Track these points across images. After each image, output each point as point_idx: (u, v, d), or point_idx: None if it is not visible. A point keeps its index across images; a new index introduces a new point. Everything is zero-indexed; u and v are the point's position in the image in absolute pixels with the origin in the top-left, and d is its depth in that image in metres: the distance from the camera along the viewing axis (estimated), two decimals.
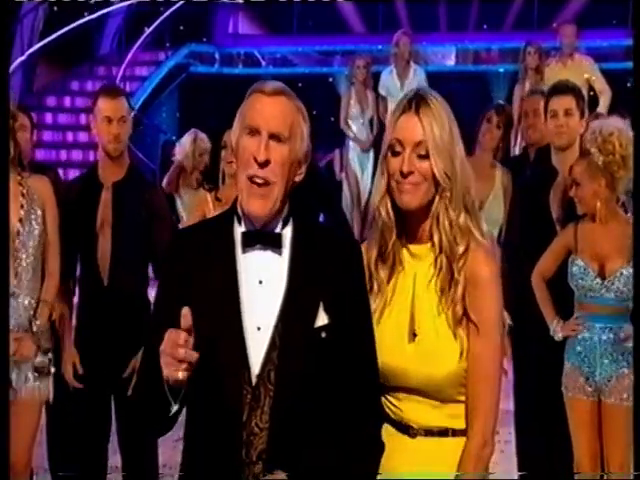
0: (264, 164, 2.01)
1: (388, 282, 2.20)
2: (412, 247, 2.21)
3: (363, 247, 2.23)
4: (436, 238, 2.17)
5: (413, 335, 2.15)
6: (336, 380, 2.05)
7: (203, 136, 6.58)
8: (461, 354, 2.13)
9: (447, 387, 2.15)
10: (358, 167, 8.73)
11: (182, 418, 2.08)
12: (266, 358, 2.01)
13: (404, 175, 2.14)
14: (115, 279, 3.92)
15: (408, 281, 2.20)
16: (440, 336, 2.14)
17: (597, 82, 8.16)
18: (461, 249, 2.15)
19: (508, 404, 3.98)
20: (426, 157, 2.14)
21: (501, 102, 5.06)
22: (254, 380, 2.01)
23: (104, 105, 3.93)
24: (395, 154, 2.16)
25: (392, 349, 2.15)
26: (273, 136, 2.02)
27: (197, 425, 2.08)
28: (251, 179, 2.03)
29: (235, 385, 2.00)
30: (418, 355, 2.14)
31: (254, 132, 2.03)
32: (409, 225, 2.20)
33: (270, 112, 2.03)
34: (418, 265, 2.20)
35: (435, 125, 2.13)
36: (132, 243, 3.94)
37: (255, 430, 2.00)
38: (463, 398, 2.17)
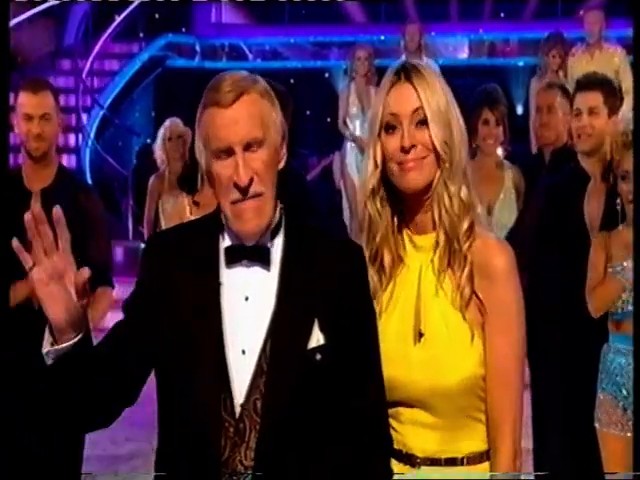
0: (248, 186, 1.99)
1: (387, 284, 2.21)
2: (417, 238, 2.22)
3: None
4: (436, 214, 2.19)
5: (419, 335, 2.15)
6: (334, 410, 2.02)
7: (178, 121, 6.72)
8: (474, 340, 2.13)
9: (458, 395, 2.14)
10: (356, 173, 8.73)
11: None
12: (251, 385, 1.98)
13: (406, 150, 2.15)
14: None
15: (412, 277, 2.20)
16: (449, 327, 2.14)
17: (625, 80, 8.19)
18: (465, 226, 2.18)
19: (527, 442, 3.92)
20: (425, 126, 2.16)
21: (489, 89, 4.97)
22: (237, 411, 1.98)
23: (24, 100, 3.95)
24: (391, 131, 2.18)
25: (394, 356, 2.14)
26: (248, 146, 1.99)
27: (171, 464, 2.04)
28: (236, 202, 2.00)
29: (215, 417, 1.97)
30: (425, 357, 2.13)
31: (225, 153, 1.99)
32: (411, 214, 2.22)
33: (236, 124, 1.99)
34: (424, 257, 2.21)
35: (429, 91, 2.17)
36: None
37: (239, 468, 1.96)
38: (475, 413, 2.17)
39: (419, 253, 2.22)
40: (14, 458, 3.85)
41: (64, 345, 1.94)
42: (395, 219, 2.22)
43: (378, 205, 2.21)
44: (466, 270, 2.16)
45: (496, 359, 2.15)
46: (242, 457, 1.97)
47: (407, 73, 2.18)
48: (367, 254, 2.20)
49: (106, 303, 3.96)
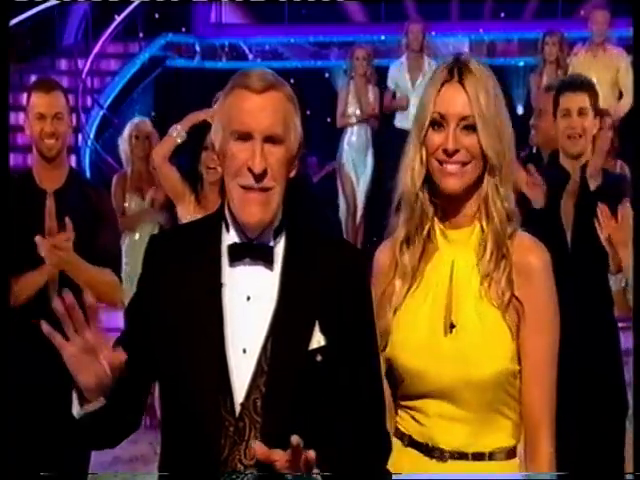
0: (262, 175, 2.00)
1: (416, 270, 2.21)
2: (450, 232, 2.23)
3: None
4: (485, 220, 2.19)
5: (450, 327, 2.16)
6: (333, 411, 2.02)
7: (147, 120, 6.83)
8: (509, 337, 2.14)
9: (489, 389, 2.15)
10: (353, 172, 8.74)
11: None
12: (251, 385, 1.99)
13: (449, 154, 2.15)
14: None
15: (444, 269, 2.21)
16: (485, 323, 2.15)
17: (626, 83, 8.20)
18: (510, 230, 2.19)
19: None
20: (473, 132, 2.16)
21: None
22: (237, 410, 1.99)
23: (37, 100, 3.98)
24: (437, 129, 2.17)
25: (424, 347, 2.15)
26: (268, 139, 2.01)
27: (173, 463, 2.05)
28: (246, 188, 2.01)
29: (215, 415, 1.98)
30: (457, 348, 2.14)
31: (245, 137, 2.01)
32: (449, 209, 2.23)
33: (262, 112, 2.01)
34: (457, 251, 2.22)
35: (481, 95, 2.16)
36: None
37: (239, 467, 1.97)
38: (503, 408, 2.18)
39: (452, 246, 2.22)
40: (18, 457, 3.87)
41: (94, 408, 1.96)
42: (429, 210, 2.22)
43: (425, 196, 2.21)
44: (507, 272, 2.16)
45: (534, 360, 2.16)
46: (241, 456, 1.98)
47: (460, 72, 2.17)
48: (399, 240, 2.22)
49: (111, 284, 3.96)
